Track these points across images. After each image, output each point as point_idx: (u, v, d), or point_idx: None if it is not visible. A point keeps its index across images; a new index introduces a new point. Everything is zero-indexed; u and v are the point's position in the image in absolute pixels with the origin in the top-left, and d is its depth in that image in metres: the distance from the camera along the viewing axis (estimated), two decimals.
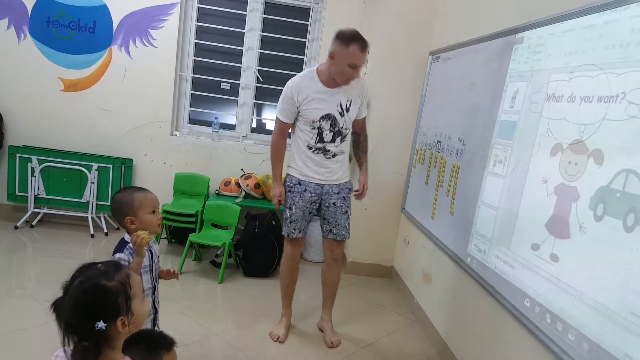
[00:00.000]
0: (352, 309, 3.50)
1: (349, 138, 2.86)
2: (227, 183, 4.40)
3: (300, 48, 4.64)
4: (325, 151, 2.77)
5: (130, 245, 1.81)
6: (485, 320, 2.48)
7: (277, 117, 2.80)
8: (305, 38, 4.61)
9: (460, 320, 2.80)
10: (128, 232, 1.88)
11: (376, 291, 3.92)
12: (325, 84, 2.70)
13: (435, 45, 3.72)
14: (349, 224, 2.94)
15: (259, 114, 4.86)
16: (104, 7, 4.29)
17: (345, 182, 2.91)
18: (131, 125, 4.49)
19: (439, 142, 3.33)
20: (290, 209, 2.85)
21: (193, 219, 4.11)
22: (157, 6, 4.32)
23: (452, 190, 3.00)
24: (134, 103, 4.44)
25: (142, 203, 1.87)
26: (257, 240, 3.86)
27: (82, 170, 4.33)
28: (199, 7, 4.49)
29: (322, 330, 3.08)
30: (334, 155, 2.80)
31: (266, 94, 4.72)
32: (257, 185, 4.32)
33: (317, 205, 2.88)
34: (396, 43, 3.87)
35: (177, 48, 4.42)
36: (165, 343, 1.41)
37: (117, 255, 1.82)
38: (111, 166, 4.38)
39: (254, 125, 4.84)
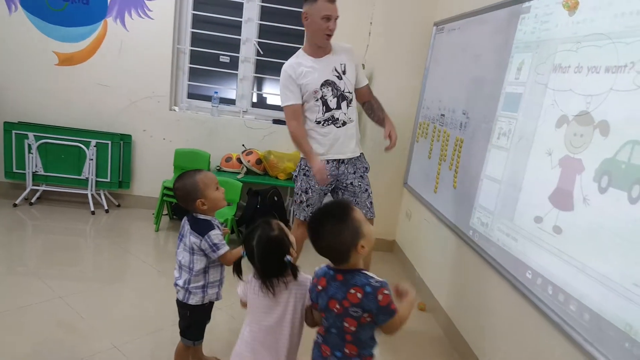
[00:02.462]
0: None
1: (354, 104, 2.83)
2: (228, 159, 4.37)
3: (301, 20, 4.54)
4: (334, 120, 2.75)
5: (217, 222, 2.01)
6: (487, 293, 2.50)
7: (285, 106, 2.75)
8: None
9: (462, 293, 2.82)
10: (198, 213, 1.98)
11: (378, 265, 3.93)
12: (313, 56, 2.74)
13: (440, 16, 3.66)
14: (371, 202, 2.89)
15: (259, 88, 4.80)
16: None
17: (359, 158, 2.87)
18: (129, 100, 4.42)
19: (443, 115, 3.30)
20: (307, 192, 2.82)
21: None
22: None
23: (455, 164, 2.99)
24: (131, 77, 4.36)
25: (206, 183, 1.96)
26: (259, 216, 3.86)
27: (80, 147, 4.27)
28: None
29: None
30: (344, 124, 2.77)
31: (267, 67, 4.64)
32: (259, 161, 4.30)
33: (332, 187, 2.87)
34: (399, 14, 3.80)
35: (174, 20, 4.32)
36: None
37: (213, 233, 1.95)
38: (109, 142, 4.32)
39: (255, 99, 4.78)
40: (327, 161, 2.77)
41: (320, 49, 2.74)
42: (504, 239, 2.30)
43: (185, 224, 2.03)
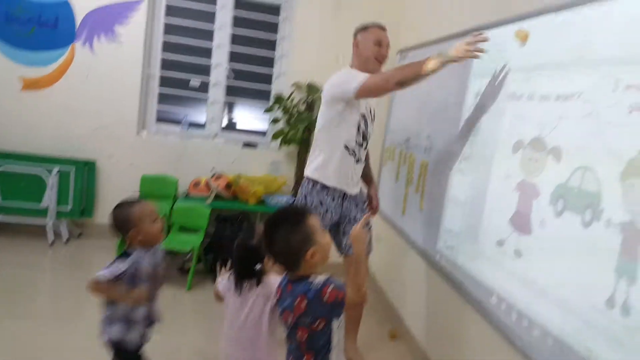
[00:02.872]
0: None
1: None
2: (196, 184, 4.29)
3: (272, 45, 4.59)
4: (354, 154, 2.67)
5: (134, 259, 1.83)
6: (455, 318, 2.50)
7: (363, 80, 2.43)
8: (276, 35, 4.56)
9: (432, 318, 2.82)
10: (130, 245, 1.87)
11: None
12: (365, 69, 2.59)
13: (403, 44, 3.74)
14: (371, 237, 2.86)
15: (229, 112, 4.79)
16: (66, 4, 4.13)
17: (360, 194, 2.85)
18: (95, 125, 4.29)
19: (408, 139, 3.34)
20: (321, 205, 2.67)
21: None
22: (123, 2, 4.20)
23: (421, 187, 3.02)
24: (98, 102, 4.28)
25: (142, 214, 1.86)
26: (227, 243, 3.79)
27: (41, 174, 4.07)
28: (167, 4, 4.38)
29: None
30: (358, 161, 2.71)
31: (237, 91, 4.65)
32: (228, 186, 4.24)
33: (335, 221, 2.74)
34: None
35: (144, 45, 4.30)
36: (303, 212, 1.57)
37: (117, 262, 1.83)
38: (73, 169, 4.15)
39: (225, 123, 4.75)
40: (333, 198, 2.66)
41: None
42: (469, 263, 2.32)
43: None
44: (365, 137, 2.71)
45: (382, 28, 2.65)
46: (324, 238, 1.51)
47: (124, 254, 1.87)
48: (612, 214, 1.43)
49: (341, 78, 2.58)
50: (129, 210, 1.86)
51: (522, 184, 1.90)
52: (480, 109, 2.31)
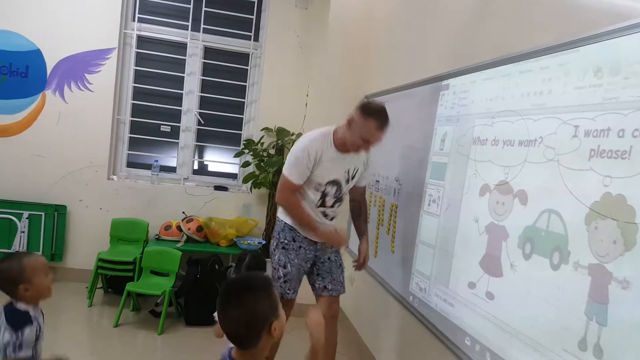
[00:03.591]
0: (298, 353, 3.41)
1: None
2: (167, 227, 4.27)
3: (242, 91, 4.66)
4: (324, 214, 2.67)
5: (33, 315, 1.77)
6: (429, 359, 2.48)
7: (287, 177, 2.53)
8: (246, 82, 4.64)
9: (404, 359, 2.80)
10: (18, 301, 1.77)
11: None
12: (338, 148, 2.56)
13: (371, 89, 3.84)
14: (344, 277, 2.83)
15: (200, 156, 4.79)
16: (38, 52, 4.17)
17: None
18: (65, 170, 4.30)
19: (378, 181, 3.39)
20: (285, 267, 2.65)
21: (131, 267, 3.92)
22: (94, 51, 4.25)
23: (392, 229, 3.04)
24: (68, 148, 4.28)
25: (35, 268, 1.78)
26: (199, 286, 3.74)
27: (11, 219, 4.08)
28: (137, 52, 4.44)
29: None
30: (332, 219, 2.72)
31: (208, 135, 4.68)
32: (200, 228, 4.21)
33: (312, 262, 2.73)
34: (333, 86, 3.97)
35: (114, 92, 4.33)
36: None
37: (27, 330, 1.73)
38: (43, 214, 4.17)
39: (196, 167, 4.76)
40: (306, 236, 2.66)
41: (347, 147, 2.55)
42: (441, 305, 2.32)
43: (1, 314, 1.79)
44: (340, 200, 2.70)
45: (381, 126, 2.41)
46: (283, 313, 1.37)
47: (14, 312, 1.76)
48: (580, 256, 1.47)
49: (295, 153, 2.54)
50: (22, 263, 1.76)
51: (491, 227, 1.94)
52: (447, 153, 2.37)
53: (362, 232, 2.89)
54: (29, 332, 1.73)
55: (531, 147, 1.74)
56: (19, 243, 4.10)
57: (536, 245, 1.67)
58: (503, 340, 1.81)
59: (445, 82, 2.48)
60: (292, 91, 4.46)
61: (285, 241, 2.66)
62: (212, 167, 4.82)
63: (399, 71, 3.29)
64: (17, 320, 1.74)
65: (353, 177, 2.69)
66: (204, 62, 4.56)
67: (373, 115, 2.39)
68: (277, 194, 2.63)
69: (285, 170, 2.55)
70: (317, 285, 2.77)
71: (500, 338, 1.84)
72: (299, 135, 4.24)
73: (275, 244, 2.72)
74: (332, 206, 2.67)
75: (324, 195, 2.61)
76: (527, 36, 1.89)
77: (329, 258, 2.76)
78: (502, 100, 1.95)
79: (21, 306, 1.77)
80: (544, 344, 1.60)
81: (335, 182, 2.62)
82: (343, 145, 2.55)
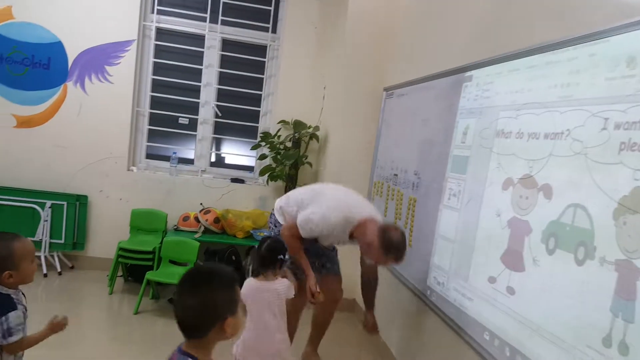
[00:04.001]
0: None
1: None
2: (185, 218, 4.30)
3: (258, 83, 4.66)
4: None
5: (19, 300, 1.73)
6: (446, 354, 2.47)
7: (299, 228, 2.61)
8: (263, 74, 4.64)
9: (422, 354, 2.78)
10: (4, 285, 1.69)
11: (339, 325, 3.85)
12: (350, 237, 2.63)
13: (389, 82, 3.81)
14: (338, 260, 3.00)
15: (217, 148, 4.81)
16: (59, 44, 4.22)
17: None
18: (86, 161, 4.36)
19: (396, 175, 3.37)
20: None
21: (150, 256, 3.96)
22: (114, 43, 4.28)
23: (410, 223, 3.02)
24: (89, 139, 4.33)
25: (24, 253, 1.70)
26: None
27: (35, 208, 4.17)
28: (156, 44, 4.47)
29: None
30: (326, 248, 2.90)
31: (225, 128, 4.70)
32: (217, 220, 4.24)
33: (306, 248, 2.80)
34: (351, 79, 3.95)
35: (134, 84, 4.37)
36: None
37: (13, 315, 1.67)
38: (65, 203, 4.24)
39: (213, 159, 4.78)
40: None
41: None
42: (460, 299, 2.31)
43: None
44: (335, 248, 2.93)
45: (397, 259, 2.43)
46: (242, 315, 1.42)
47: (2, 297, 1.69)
48: (606, 252, 1.44)
49: (319, 219, 2.57)
50: (11, 248, 1.67)
51: (513, 221, 1.92)
52: (469, 147, 2.34)
53: (369, 306, 2.94)
54: (14, 316, 1.66)
55: (557, 140, 1.70)
56: (42, 231, 4.18)
57: (560, 240, 1.64)
58: (523, 335, 1.80)
59: (468, 74, 2.44)
60: (309, 84, 4.45)
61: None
62: (229, 160, 4.84)
63: (419, 63, 3.25)
64: (1, 306, 1.67)
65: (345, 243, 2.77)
66: (221, 55, 4.56)
67: (393, 252, 2.40)
68: (284, 230, 2.69)
69: (299, 221, 2.61)
70: (316, 264, 2.85)
71: (520, 333, 1.82)
72: (316, 128, 4.23)
73: (273, 234, 2.85)
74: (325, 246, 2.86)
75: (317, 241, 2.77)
76: (555, 26, 1.86)
77: (329, 254, 2.96)
78: (528, 92, 1.92)
79: (2, 289, 1.69)
80: (566, 340, 1.58)
81: (332, 245, 2.87)
82: (354, 237, 2.61)
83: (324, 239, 2.72)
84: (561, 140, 1.69)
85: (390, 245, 2.38)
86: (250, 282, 2.38)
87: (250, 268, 4.24)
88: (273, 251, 2.39)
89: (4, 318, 1.64)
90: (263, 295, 2.33)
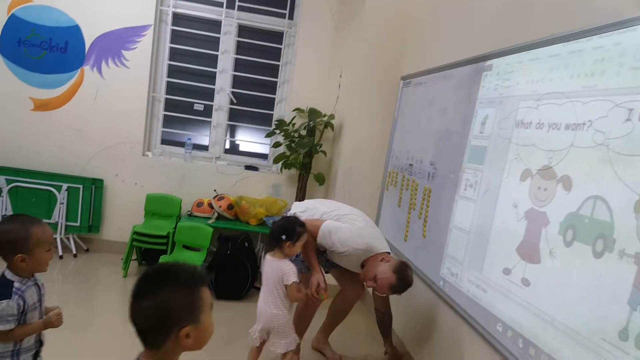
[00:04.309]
0: None
1: None
2: (199, 204, 4.34)
3: (274, 70, 4.65)
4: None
5: (19, 287, 1.64)
6: (458, 345, 2.47)
7: (320, 230, 2.68)
8: (279, 61, 4.62)
9: (434, 345, 2.78)
10: (9, 267, 1.65)
11: (350, 315, 3.87)
12: (362, 266, 2.75)
13: (406, 71, 3.78)
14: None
15: (232, 135, 4.83)
16: (76, 28, 4.24)
17: None
18: (102, 145, 4.40)
19: (411, 165, 3.35)
20: None
21: (164, 241, 4.01)
22: (130, 28, 4.29)
23: (424, 213, 3.01)
24: (105, 123, 4.37)
25: (41, 239, 1.65)
26: (229, 262, 3.80)
27: (51, 191, 4.23)
28: (172, 30, 4.47)
29: (318, 351, 3.11)
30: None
31: (240, 115, 4.70)
32: (230, 207, 4.26)
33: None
34: (368, 67, 3.92)
35: (150, 69, 4.38)
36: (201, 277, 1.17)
37: (4, 303, 1.60)
38: (81, 186, 4.29)
39: (228, 146, 4.80)
40: None
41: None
42: (473, 290, 2.30)
43: None
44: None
45: (396, 293, 2.62)
46: (209, 319, 1.14)
47: (3, 281, 1.65)
48: (626, 245, 1.42)
49: (339, 230, 2.68)
50: (29, 231, 1.62)
51: (531, 213, 1.90)
52: (487, 137, 2.32)
53: (386, 337, 3.04)
54: (4, 305, 1.59)
55: (579, 130, 1.68)
56: (58, 214, 4.25)
57: (579, 232, 1.62)
58: (537, 327, 1.79)
59: (488, 63, 2.41)
60: (325, 71, 4.43)
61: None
62: (243, 147, 4.85)
63: (438, 51, 3.21)
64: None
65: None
66: (237, 41, 4.56)
67: (398, 276, 2.55)
68: (308, 225, 2.70)
69: (327, 226, 2.69)
70: (326, 265, 2.94)
71: (534, 325, 1.81)
72: (331, 116, 4.22)
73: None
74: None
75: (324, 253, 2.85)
76: (579, 14, 1.82)
77: None
78: (550, 82, 1.89)
79: (7, 275, 1.65)
80: (581, 333, 1.57)
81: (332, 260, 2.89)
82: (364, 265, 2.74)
83: (336, 256, 2.77)
84: (583, 131, 1.66)
85: (404, 284, 2.57)
86: (267, 255, 2.56)
87: (263, 256, 4.28)
88: (278, 229, 2.50)
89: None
90: (267, 269, 2.51)
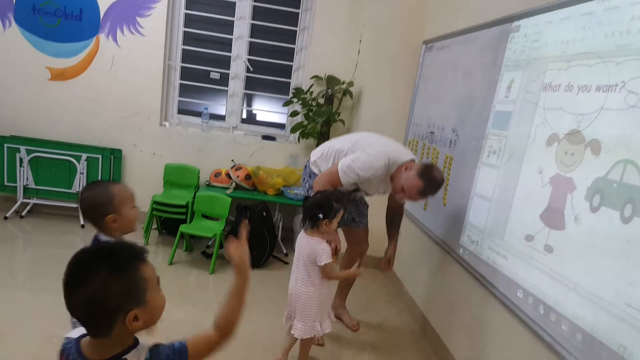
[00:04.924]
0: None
1: None
2: (217, 174, 4.35)
3: (291, 37, 4.57)
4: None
5: None
6: (477, 311, 2.47)
7: (340, 177, 2.63)
8: (296, 27, 4.53)
9: (452, 312, 2.79)
10: (101, 231, 1.69)
11: (368, 281, 3.91)
12: (390, 179, 2.70)
13: (429, 35, 3.68)
14: (368, 212, 3.06)
15: (249, 105, 4.79)
16: None
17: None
18: (119, 115, 4.40)
19: (432, 133, 3.30)
20: None
21: (183, 210, 4.06)
22: None
23: (446, 182, 2.97)
24: (122, 92, 4.36)
25: (123, 197, 1.70)
26: (248, 231, 3.81)
27: (71, 161, 4.28)
28: None
29: (336, 317, 3.10)
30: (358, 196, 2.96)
31: (256, 84, 4.65)
32: (248, 177, 4.27)
33: None
34: (389, 32, 3.83)
35: (165, 37, 4.33)
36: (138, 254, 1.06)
37: None
38: (100, 157, 4.33)
39: (244, 115, 4.77)
40: None
41: None
42: (494, 258, 2.28)
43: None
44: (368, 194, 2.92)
45: (424, 193, 2.52)
46: (158, 296, 1.07)
47: (97, 243, 1.67)
48: None
49: (358, 166, 2.61)
50: (110, 190, 1.68)
51: (556, 179, 1.86)
52: (513, 101, 2.26)
53: (391, 237, 3.05)
54: None
55: (610, 92, 1.62)
56: (79, 183, 4.31)
57: (606, 197, 1.58)
58: (559, 293, 1.77)
59: (515, 24, 2.32)
60: (344, 37, 4.32)
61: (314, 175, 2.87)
62: (260, 117, 4.82)
63: (461, 14, 3.11)
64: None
65: (384, 192, 2.87)
66: (254, 6, 4.46)
67: (425, 179, 2.48)
68: (320, 176, 2.71)
69: (342, 166, 2.62)
70: (345, 218, 2.86)
71: (556, 291, 1.80)
72: (350, 83, 4.15)
73: (307, 186, 2.93)
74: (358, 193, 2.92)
75: (356, 190, 2.83)
76: None
77: (359, 202, 3.00)
78: (581, 42, 1.82)
79: (102, 238, 1.69)
80: (605, 298, 1.55)
81: (368, 193, 2.89)
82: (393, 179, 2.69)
83: (366, 186, 2.75)
84: (614, 92, 1.60)
85: (428, 172, 2.50)
86: (302, 232, 2.46)
87: (281, 226, 4.31)
88: (314, 206, 2.38)
89: None
90: (301, 247, 2.41)
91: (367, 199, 3.04)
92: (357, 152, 2.65)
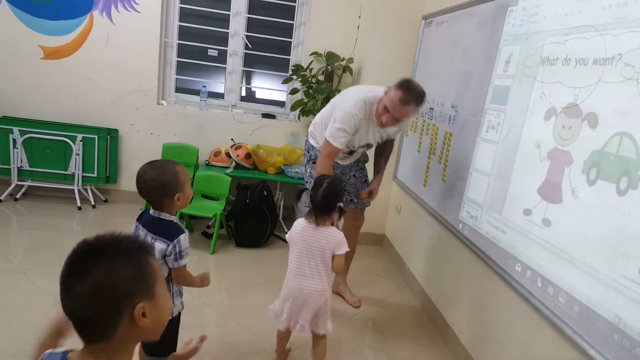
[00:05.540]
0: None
1: None
2: (217, 153, 4.34)
3: (290, 13, 4.51)
4: (350, 153, 2.90)
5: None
6: (476, 286, 2.51)
7: (333, 143, 2.61)
8: (295, 2, 4.47)
9: (452, 286, 2.83)
10: (163, 210, 1.70)
11: (368, 258, 3.95)
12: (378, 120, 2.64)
13: (428, 9, 3.64)
14: (371, 190, 3.03)
15: (248, 82, 4.76)
16: None
17: (363, 155, 3.05)
18: (115, 94, 4.35)
19: (432, 109, 3.29)
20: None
21: None
22: None
23: (445, 158, 2.98)
24: (117, 71, 4.30)
25: (186, 177, 1.72)
26: (248, 211, 3.84)
27: (66, 142, 4.21)
28: None
29: (338, 294, 3.19)
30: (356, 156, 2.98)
31: (255, 60, 4.61)
32: (248, 156, 4.26)
33: None
34: (388, 7, 3.79)
35: (161, 13, 4.26)
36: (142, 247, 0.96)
37: (184, 237, 1.69)
38: (96, 137, 4.27)
39: (244, 93, 4.74)
40: None
41: None
42: (493, 232, 2.30)
43: (138, 229, 1.73)
44: (368, 147, 2.90)
45: (406, 102, 2.43)
46: (165, 294, 0.96)
47: (162, 223, 1.70)
48: None
49: (343, 120, 2.59)
50: (176, 170, 1.68)
51: (554, 153, 1.87)
52: (511, 76, 2.25)
53: (378, 170, 3.07)
54: (184, 239, 1.68)
55: (607, 65, 1.62)
56: (75, 165, 4.26)
57: (602, 170, 1.60)
58: (557, 266, 1.80)
59: None
60: (343, 12, 4.26)
61: (315, 157, 2.88)
62: (259, 94, 4.79)
63: None
64: (173, 230, 1.69)
65: (382, 138, 2.85)
66: None
67: (402, 87, 2.44)
68: (320, 161, 2.69)
69: (328, 133, 2.63)
70: (344, 199, 2.93)
71: (553, 264, 1.82)
72: (350, 60, 4.12)
73: (306, 160, 2.98)
74: (356, 152, 2.92)
75: (352, 151, 2.86)
76: None
77: (353, 175, 3.01)
78: (579, 15, 1.80)
79: (165, 216, 1.71)
80: (601, 270, 1.57)
81: (367, 145, 2.84)
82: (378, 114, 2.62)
83: (362, 138, 2.74)
84: (611, 65, 1.60)
85: (405, 82, 2.48)
86: (300, 222, 2.25)
87: (282, 205, 4.32)
88: (333, 195, 2.21)
89: (177, 240, 1.66)
90: (311, 239, 2.19)
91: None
92: (336, 112, 2.66)
